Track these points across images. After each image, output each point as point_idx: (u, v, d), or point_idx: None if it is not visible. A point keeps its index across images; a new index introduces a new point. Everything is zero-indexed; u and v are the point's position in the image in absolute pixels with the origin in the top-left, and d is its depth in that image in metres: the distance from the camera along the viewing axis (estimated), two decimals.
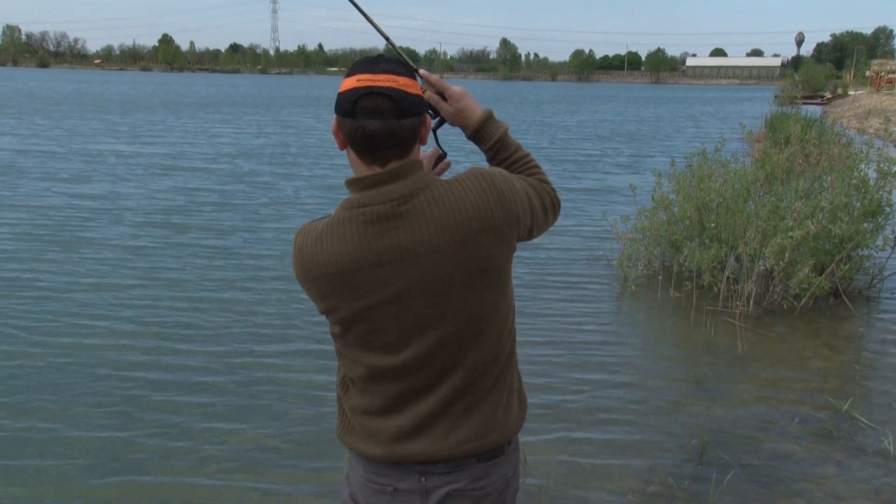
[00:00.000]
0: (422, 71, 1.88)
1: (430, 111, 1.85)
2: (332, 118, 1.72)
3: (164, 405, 4.95)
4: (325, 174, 16.07)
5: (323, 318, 1.78)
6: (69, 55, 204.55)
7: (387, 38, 1.95)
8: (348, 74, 1.68)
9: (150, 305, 6.95)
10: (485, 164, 1.89)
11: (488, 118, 1.93)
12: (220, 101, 47.99)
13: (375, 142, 1.64)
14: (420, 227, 1.64)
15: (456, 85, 1.95)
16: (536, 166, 1.95)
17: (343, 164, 17.30)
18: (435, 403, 1.75)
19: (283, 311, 6.83)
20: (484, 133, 1.93)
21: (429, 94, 1.90)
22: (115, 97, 49.22)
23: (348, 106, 1.64)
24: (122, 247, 9.15)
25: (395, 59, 1.72)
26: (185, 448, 4.41)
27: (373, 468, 1.82)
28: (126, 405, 4.93)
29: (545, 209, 1.87)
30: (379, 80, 1.63)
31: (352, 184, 1.70)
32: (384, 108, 1.62)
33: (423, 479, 1.78)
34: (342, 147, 1.72)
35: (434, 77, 1.92)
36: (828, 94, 61.41)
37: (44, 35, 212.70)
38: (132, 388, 5.20)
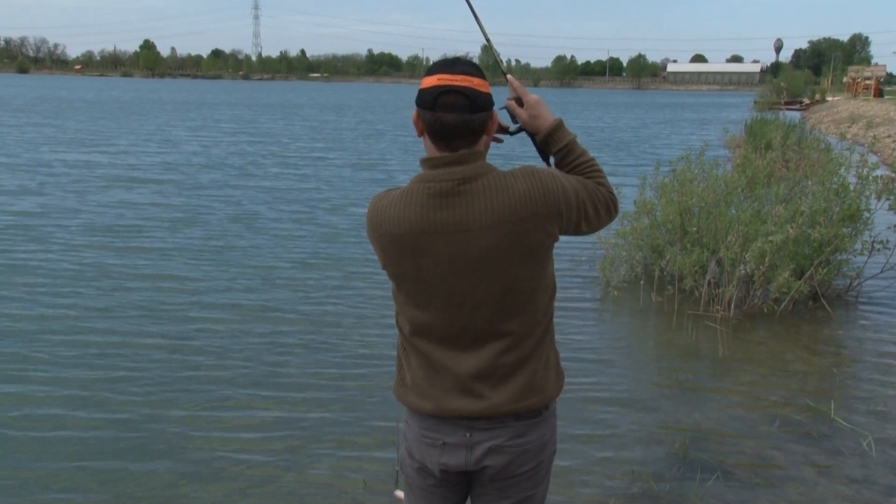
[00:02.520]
0: (509, 76, 2.21)
1: (508, 120, 2.19)
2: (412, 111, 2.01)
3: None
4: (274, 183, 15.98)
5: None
6: (49, 61, 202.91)
7: (487, 40, 2.32)
8: (429, 73, 1.95)
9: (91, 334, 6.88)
10: (541, 165, 2.16)
11: (559, 126, 2.19)
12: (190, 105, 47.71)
13: (450, 132, 1.92)
14: (475, 206, 1.91)
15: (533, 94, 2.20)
16: (598, 170, 2.18)
17: (291, 174, 17.34)
18: (476, 366, 1.99)
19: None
20: (554, 138, 2.18)
21: (509, 104, 2.20)
22: (78, 104, 48.44)
23: (429, 101, 1.92)
24: (55, 272, 9.00)
25: (469, 62, 1.98)
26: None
27: (425, 423, 2.06)
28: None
29: (597, 207, 2.09)
30: (456, 80, 1.91)
31: (424, 162, 1.98)
32: (460, 104, 1.90)
33: (468, 434, 2.02)
34: (420, 134, 2.01)
35: (517, 83, 2.22)
36: (806, 100, 62.00)
37: (23, 40, 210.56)
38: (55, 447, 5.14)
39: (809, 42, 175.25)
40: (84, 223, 10.91)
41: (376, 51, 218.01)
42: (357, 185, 15.52)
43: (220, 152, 21.28)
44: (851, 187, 7.63)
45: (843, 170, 8.02)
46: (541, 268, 1.99)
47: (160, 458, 4.35)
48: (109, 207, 12.23)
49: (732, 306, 7.01)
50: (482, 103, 1.93)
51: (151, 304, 7.16)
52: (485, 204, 1.90)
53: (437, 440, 2.05)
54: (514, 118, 2.22)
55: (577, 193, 2.02)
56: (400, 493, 3.83)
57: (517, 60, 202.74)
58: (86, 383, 5.35)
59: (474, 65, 1.98)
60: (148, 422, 4.79)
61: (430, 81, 1.93)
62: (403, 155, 21.82)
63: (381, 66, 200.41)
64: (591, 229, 2.13)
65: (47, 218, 11.25)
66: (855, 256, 7.71)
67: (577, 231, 2.09)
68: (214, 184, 15.20)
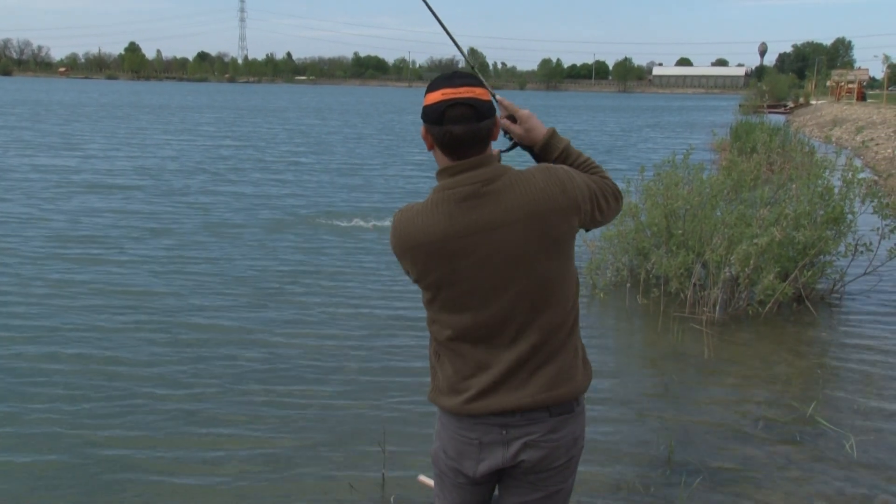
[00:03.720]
0: (498, 96, 2.26)
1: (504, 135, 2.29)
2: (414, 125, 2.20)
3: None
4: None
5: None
6: (33, 63, 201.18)
7: (461, 51, 2.52)
8: (432, 90, 2.05)
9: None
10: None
11: (553, 135, 2.30)
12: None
13: (460, 142, 2.02)
14: (501, 204, 2.01)
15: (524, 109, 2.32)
16: (597, 167, 2.30)
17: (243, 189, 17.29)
18: (512, 360, 2.08)
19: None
20: (550, 146, 2.29)
21: (504, 123, 2.30)
22: (55, 107, 47.99)
23: (436, 116, 2.02)
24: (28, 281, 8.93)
25: (468, 73, 2.09)
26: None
27: (461, 424, 2.14)
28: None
29: (606, 197, 2.21)
30: (460, 93, 2.01)
31: (443, 171, 2.07)
32: (466, 115, 2.00)
33: (503, 431, 2.11)
34: (430, 148, 2.11)
35: (507, 101, 2.33)
36: (790, 104, 62.50)
37: (6, 42, 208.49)
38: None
39: (793, 46, 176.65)
40: (45, 232, 10.66)
41: (363, 53, 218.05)
42: (335, 192, 15.49)
43: (198, 156, 21.18)
44: (836, 190, 7.69)
45: (827, 173, 8.07)
46: (567, 260, 2.12)
47: (145, 469, 4.32)
48: (73, 214, 12.01)
49: (718, 308, 7.05)
50: (486, 111, 2.03)
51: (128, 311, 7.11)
52: (510, 201, 2.01)
53: (474, 440, 2.13)
54: (507, 135, 2.34)
55: (588, 186, 2.14)
56: (425, 479, 3.83)
57: (503, 63, 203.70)
58: (70, 400, 5.31)
59: (472, 75, 2.09)
60: (122, 430, 4.77)
61: (435, 97, 2.02)
62: (386, 159, 21.80)
63: (367, 68, 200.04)
64: (605, 219, 2.24)
65: (4, 226, 10.86)
66: (838, 259, 7.76)
67: (592, 222, 2.20)
68: (187, 189, 15.06)
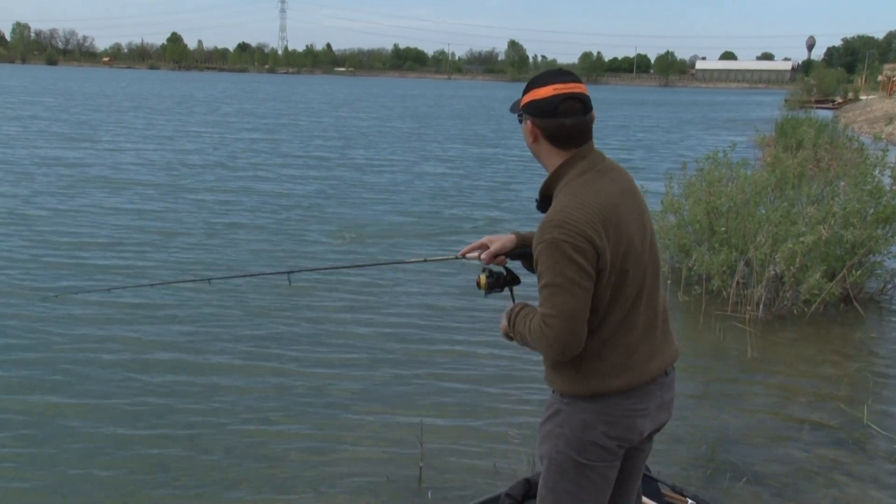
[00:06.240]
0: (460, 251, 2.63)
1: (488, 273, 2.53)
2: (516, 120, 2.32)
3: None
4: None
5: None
6: (78, 53, 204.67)
7: None
8: (540, 85, 2.22)
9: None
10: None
11: (518, 235, 2.56)
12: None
13: (573, 133, 2.21)
14: (624, 176, 2.30)
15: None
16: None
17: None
18: (658, 319, 2.34)
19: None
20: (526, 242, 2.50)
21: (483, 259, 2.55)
22: (79, 96, 48.61)
23: (549, 109, 2.20)
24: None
25: (570, 70, 2.26)
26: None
27: (629, 399, 2.28)
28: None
29: None
30: (570, 88, 2.20)
31: (571, 159, 2.23)
32: (577, 108, 2.20)
33: (660, 393, 2.35)
34: (534, 141, 2.28)
35: (466, 247, 2.62)
36: (839, 99, 61.15)
37: (52, 33, 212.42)
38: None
39: (843, 40, 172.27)
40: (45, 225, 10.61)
41: (402, 45, 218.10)
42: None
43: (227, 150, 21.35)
44: (887, 188, 7.48)
45: (877, 171, 7.87)
46: None
47: (189, 460, 4.38)
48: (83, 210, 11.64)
49: (761, 307, 6.91)
50: (590, 104, 2.24)
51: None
52: (626, 175, 2.31)
53: (645, 409, 2.30)
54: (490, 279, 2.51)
55: None
56: None
57: (543, 56, 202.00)
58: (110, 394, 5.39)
59: (573, 72, 2.27)
60: (167, 427, 4.83)
61: (546, 92, 2.20)
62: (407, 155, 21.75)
63: (406, 60, 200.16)
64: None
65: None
66: (889, 259, 7.57)
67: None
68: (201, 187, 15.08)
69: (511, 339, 2.38)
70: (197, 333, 6.24)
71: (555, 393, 2.37)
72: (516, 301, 2.44)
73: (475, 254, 2.56)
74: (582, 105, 2.20)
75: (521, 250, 2.51)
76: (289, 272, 3.14)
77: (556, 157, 2.26)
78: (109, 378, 5.34)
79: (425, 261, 3.18)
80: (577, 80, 2.23)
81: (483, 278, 2.51)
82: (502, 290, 2.52)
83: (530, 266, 2.44)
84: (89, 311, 6.66)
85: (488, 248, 2.52)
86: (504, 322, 2.39)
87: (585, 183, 2.19)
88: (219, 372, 5.49)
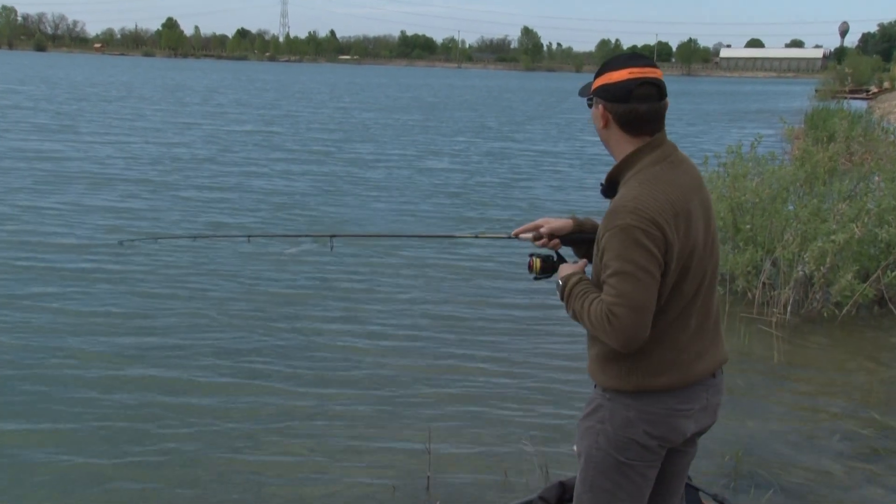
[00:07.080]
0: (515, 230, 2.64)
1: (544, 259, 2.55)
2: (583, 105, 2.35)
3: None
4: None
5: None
6: (68, 39, 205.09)
7: None
8: (616, 68, 2.25)
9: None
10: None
11: (575, 220, 2.60)
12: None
13: (645, 119, 2.25)
14: (694, 170, 2.34)
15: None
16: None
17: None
18: (712, 318, 2.39)
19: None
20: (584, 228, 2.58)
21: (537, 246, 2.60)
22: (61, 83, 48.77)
23: (622, 94, 2.23)
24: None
25: (645, 55, 2.32)
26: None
27: (675, 398, 2.32)
28: None
29: None
30: (646, 73, 2.23)
31: (643, 148, 2.26)
32: (652, 94, 2.24)
33: (706, 394, 2.38)
34: (605, 126, 2.30)
35: (521, 228, 2.63)
36: (874, 89, 60.70)
37: (41, 17, 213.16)
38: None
39: (879, 25, 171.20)
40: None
41: (409, 32, 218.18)
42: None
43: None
44: None
45: None
46: None
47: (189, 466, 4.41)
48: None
49: (789, 309, 6.89)
50: (665, 91, 2.27)
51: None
52: (695, 169, 2.35)
53: (689, 410, 2.34)
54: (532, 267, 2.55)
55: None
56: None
57: (559, 44, 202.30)
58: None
59: (648, 56, 2.32)
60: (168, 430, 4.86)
61: (620, 76, 2.23)
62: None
63: (414, 48, 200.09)
64: None
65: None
66: None
67: None
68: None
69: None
70: (180, 342, 6.28)
71: (597, 388, 2.41)
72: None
73: (530, 234, 2.58)
74: (657, 91, 2.24)
75: (578, 236, 2.54)
76: (331, 235, 3.14)
77: (626, 144, 2.29)
78: (74, 398, 5.06)
79: (477, 237, 3.27)
80: (653, 64, 2.26)
81: (537, 262, 2.53)
82: (551, 276, 2.52)
83: (583, 254, 2.52)
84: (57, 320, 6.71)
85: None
86: (560, 284, 2.41)
87: (659, 173, 2.23)
88: (218, 383, 5.53)
